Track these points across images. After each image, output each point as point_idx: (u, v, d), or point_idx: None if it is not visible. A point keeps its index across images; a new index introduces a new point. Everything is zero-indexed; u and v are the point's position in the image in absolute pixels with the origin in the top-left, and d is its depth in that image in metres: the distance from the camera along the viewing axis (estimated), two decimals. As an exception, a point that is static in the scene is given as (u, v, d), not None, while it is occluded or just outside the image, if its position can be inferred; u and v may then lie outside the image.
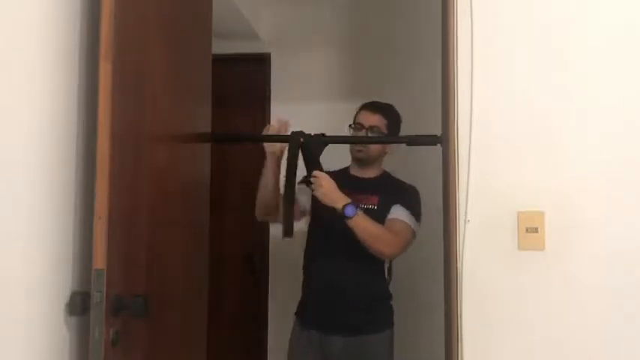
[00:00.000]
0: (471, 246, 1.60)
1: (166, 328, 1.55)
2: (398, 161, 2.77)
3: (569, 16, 1.63)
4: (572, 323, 1.57)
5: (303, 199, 2.22)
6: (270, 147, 2.11)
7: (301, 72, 3.08)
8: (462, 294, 1.59)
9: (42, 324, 1.25)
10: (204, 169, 1.89)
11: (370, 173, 2.27)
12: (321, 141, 2.10)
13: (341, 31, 3.12)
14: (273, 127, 2.10)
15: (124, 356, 1.28)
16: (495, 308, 1.60)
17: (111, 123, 1.25)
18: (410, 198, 2.21)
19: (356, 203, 2.03)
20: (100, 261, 1.22)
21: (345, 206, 2.00)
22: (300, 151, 2.06)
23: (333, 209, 2.02)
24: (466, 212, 1.60)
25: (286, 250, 2.46)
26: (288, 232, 2.04)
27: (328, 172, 2.08)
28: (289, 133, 2.08)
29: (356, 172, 2.29)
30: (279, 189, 2.14)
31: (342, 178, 2.15)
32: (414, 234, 2.15)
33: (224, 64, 2.49)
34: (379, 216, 2.12)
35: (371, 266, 2.18)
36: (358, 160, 2.25)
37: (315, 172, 2.02)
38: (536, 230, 1.59)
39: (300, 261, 2.30)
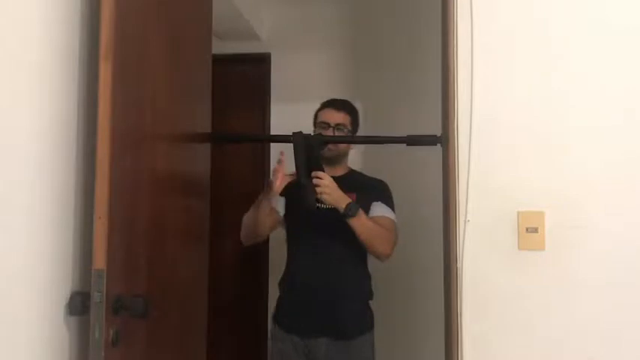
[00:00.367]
0: (471, 246, 1.60)
1: (166, 328, 1.55)
2: (398, 161, 2.78)
3: (569, 16, 1.63)
4: (572, 323, 1.57)
5: (279, 209, 2.19)
6: (276, 186, 2.04)
7: (301, 72, 3.09)
8: (462, 294, 1.59)
9: (42, 324, 1.25)
10: (204, 169, 1.89)
11: (339, 171, 2.24)
12: (321, 141, 2.10)
13: (341, 31, 3.12)
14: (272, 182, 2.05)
15: (124, 356, 1.28)
16: (495, 308, 1.59)
17: (111, 123, 1.25)
18: (386, 194, 2.22)
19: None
20: (100, 261, 1.22)
21: (348, 205, 1.99)
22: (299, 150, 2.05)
23: (332, 209, 2.02)
24: (466, 212, 1.60)
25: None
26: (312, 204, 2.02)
27: (291, 173, 2.08)
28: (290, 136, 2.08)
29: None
30: (271, 216, 2.14)
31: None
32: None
33: (224, 64, 2.49)
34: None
35: (357, 268, 2.17)
36: (328, 159, 2.19)
37: (318, 173, 2.00)
38: (536, 230, 1.59)
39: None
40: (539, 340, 1.57)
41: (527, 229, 1.59)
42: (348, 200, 2.00)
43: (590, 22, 1.62)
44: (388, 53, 3.03)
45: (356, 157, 2.96)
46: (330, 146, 2.18)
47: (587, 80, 1.61)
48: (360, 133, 2.95)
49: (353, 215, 2.00)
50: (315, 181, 1.99)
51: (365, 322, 2.18)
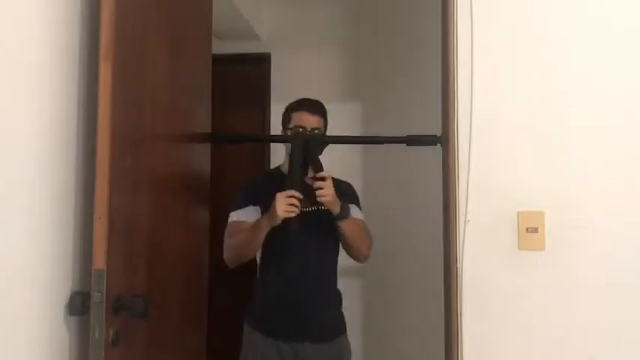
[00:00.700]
0: (470, 246, 1.60)
1: (166, 328, 1.55)
2: (398, 161, 2.78)
3: (569, 16, 1.63)
4: (572, 323, 1.57)
5: (254, 219, 2.07)
6: (283, 213, 1.90)
7: (301, 72, 3.09)
8: (462, 294, 1.59)
9: (42, 324, 1.25)
10: (204, 169, 1.89)
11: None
12: (321, 141, 2.10)
13: (341, 31, 3.12)
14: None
15: (124, 356, 1.28)
16: (495, 308, 1.59)
17: (111, 123, 1.25)
18: (355, 195, 2.20)
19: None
20: (100, 261, 1.22)
21: (342, 207, 1.97)
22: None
23: (310, 212, 1.98)
24: (466, 212, 1.60)
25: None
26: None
27: (260, 178, 2.02)
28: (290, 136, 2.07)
29: None
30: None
31: (278, 178, 2.06)
32: None
33: (224, 64, 2.49)
34: (329, 216, 2.03)
35: (332, 271, 2.15)
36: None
37: (323, 175, 1.95)
38: (536, 230, 1.59)
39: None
40: (539, 340, 1.57)
41: (527, 229, 1.59)
42: (339, 202, 1.97)
43: (590, 22, 1.62)
44: (388, 53, 3.03)
45: (356, 158, 2.97)
46: None
47: (587, 80, 1.61)
48: (360, 133, 2.96)
49: (347, 217, 1.99)
50: (318, 183, 1.93)
51: (343, 324, 2.16)
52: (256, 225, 1.98)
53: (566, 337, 1.57)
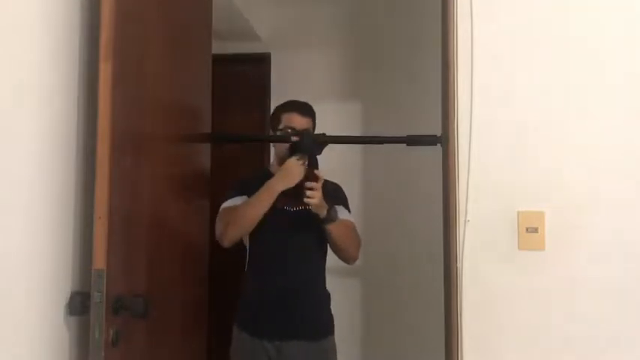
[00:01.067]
0: (470, 246, 1.60)
1: (166, 328, 1.55)
2: (398, 161, 2.78)
3: (569, 16, 1.63)
4: (572, 323, 1.57)
5: None
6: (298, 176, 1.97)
7: (301, 72, 3.09)
8: (462, 294, 1.59)
9: (42, 324, 1.25)
10: (205, 169, 1.89)
11: None
12: (321, 141, 2.10)
13: (341, 31, 3.12)
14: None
15: (124, 356, 1.28)
16: (495, 308, 1.59)
17: (111, 123, 1.25)
18: (343, 197, 2.20)
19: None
20: (100, 261, 1.22)
21: (329, 211, 1.97)
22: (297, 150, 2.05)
23: (298, 212, 1.99)
24: (466, 212, 1.60)
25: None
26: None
27: (252, 175, 2.02)
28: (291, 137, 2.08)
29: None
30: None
31: (265, 179, 2.06)
32: None
33: (224, 64, 2.49)
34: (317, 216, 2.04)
35: (321, 270, 2.15)
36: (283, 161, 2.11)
37: (318, 175, 1.96)
38: (536, 230, 1.59)
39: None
40: (539, 340, 1.57)
41: (527, 229, 1.59)
42: (327, 206, 1.97)
43: (591, 22, 1.62)
44: (388, 53, 3.03)
45: (356, 158, 2.97)
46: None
47: (588, 79, 1.61)
48: (360, 133, 2.96)
49: (334, 220, 1.99)
50: (309, 184, 1.93)
51: (331, 324, 2.15)
52: (264, 188, 1.98)
53: (566, 337, 1.57)
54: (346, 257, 2.10)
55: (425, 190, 2.26)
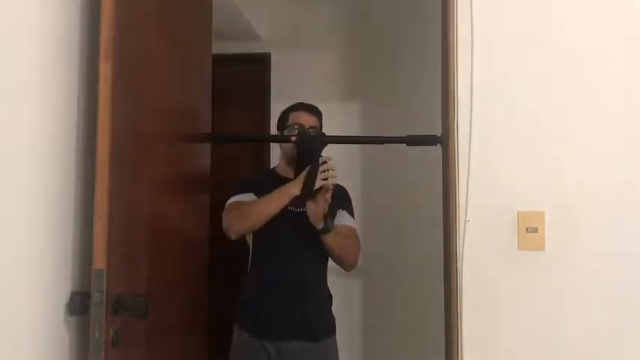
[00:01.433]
0: (470, 246, 1.60)
1: (166, 328, 1.55)
2: (398, 161, 2.78)
3: (570, 16, 1.63)
4: (572, 323, 1.57)
5: None
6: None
7: (301, 72, 3.09)
8: (462, 294, 1.59)
9: (42, 324, 1.25)
10: (205, 169, 1.89)
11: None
12: (321, 141, 2.10)
13: (341, 31, 3.12)
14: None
15: (124, 356, 1.28)
16: (495, 308, 1.59)
17: (111, 123, 1.25)
18: (347, 200, 2.19)
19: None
20: (100, 261, 1.22)
21: (326, 222, 1.97)
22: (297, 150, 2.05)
23: (302, 212, 1.99)
24: (466, 212, 1.60)
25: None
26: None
27: (255, 175, 2.03)
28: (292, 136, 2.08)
29: (286, 172, 2.16)
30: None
31: (271, 180, 2.08)
32: None
33: (224, 64, 2.49)
34: (325, 217, 2.02)
35: (322, 271, 2.15)
36: (292, 160, 2.12)
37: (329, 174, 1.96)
38: (536, 230, 1.59)
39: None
40: (539, 340, 1.57)
41: (527, 229, 1.59)
42: (322, 219, 1.97)
43: (591, 24, 1.62)
44: (388, 53, 3.03)
45: (356, 158, 2.97)
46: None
47: (588, 79, 1.61)
48: (360, 133, 2.96)
49: (330, 231, 1.99)
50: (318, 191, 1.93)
51: (332, 324, 2.15)
52: (278, 190, 1.99)
53: (566, 337, 1.57)
54: (344, 265, 2.10)
55: (425, 190, 2.26)
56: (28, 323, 1.22)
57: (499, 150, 1.62)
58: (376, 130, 2.40)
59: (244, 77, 3.23)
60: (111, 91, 1.25)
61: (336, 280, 2.22)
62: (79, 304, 1.29)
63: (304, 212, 2.01)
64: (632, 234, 1.57)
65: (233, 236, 2.02)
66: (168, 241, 1.59)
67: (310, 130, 2.12)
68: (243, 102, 3.20)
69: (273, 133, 3.04)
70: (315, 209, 1.94)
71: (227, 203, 2.09)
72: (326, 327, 2.13)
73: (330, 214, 2.01)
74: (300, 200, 1.98)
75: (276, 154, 2.99)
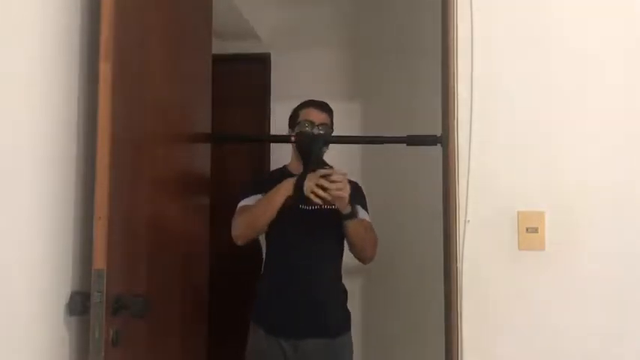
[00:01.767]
0: (470, 246, 1.60)
1: (166, 328, 1.55)
2: (398, 161, 2.78)
3: (571, 16, 1.63)
4: (572, 323, 1.57)
5: None
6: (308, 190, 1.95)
7: (301, 72, 3.08)
8: (462, 294, 1.59)
9: (42, 324, 1.25)
10: (204, 169, 1.89)
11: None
12: (321, 140, 2.10)
13: (341, 31, 3.12)
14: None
15: (124, 356, 1.28)
16: (495, 308, 1.59)
17: (111, 123, 1.25)
18: (362, 196, 2.21)
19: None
20: (100, 261, 1.22)
21: (352, 207, 1.98)
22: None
23: (316, 210, 1.99)
24: (466, 212, 1.60)
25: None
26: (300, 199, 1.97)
27: (271, 171, 2.05)
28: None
29: (297, 169, 2.16)
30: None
31: (282, 177, 2.08)
32: None
33: (224, 64, 2.49)
34: (335, 215, 2.05)
35: (337, 268, 2.16)
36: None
37: (339, 177, 1.94)
38: (536, 230, 1.59)
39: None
40: (539, 340, 1.57)
41: (527, 229, 1.59)
42: (349, 203, 1.98)
43: (591, 22, 1.62)
44: (388, 53, 3.03)
45: (356, 158, 2.97)
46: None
47: (588, 80, 1.61)
48: (360, 133, 2.96)
49: (355, 216, 2.00)
50: (336, 177, 1.92)
51: (347, 321, 2.17)
52: (272, 191, 2.01)
53: (566, 337, 1.57)
54: (363, 256, 2.11)
55: (425, 190, 2.26)
56: (28, 323, 1.23)
57: (499, 150, 1.62)
58: (376, 130, 2.40)
59: (244, 77, 3.22)
60: (111, 91, 1.26)
61: (335, 280, 2.21)
62: (79, 304, 1.29)
63: (316, 209, 2.01)
64: (632, 234, 1.57)
65: (240, 243, 2.05)
66: (168, 241, 1.59)
67: (321, 127, 2.13)
68: (243, 102, 3.19)
69: (273, 133, 3.06)
70: (341, 194, 1.93)
71: (237, 206, 2.11)
72: (340, 324, 2.14)
73: (338, 218, 2.02)
74: (293, 201, 1.98)
75: (276, 154, 3.00)
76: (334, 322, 2.12)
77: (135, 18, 1.38)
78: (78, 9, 1.37)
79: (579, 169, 1.60)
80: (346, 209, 1.98)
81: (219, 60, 2.04)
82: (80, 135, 1.36)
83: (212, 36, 1.93)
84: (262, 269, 2.19)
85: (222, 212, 2.09)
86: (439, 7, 1.77)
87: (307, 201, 1.97)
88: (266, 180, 2.14)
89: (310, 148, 2.06)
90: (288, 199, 1.99)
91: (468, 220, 1.60)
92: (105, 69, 1.26)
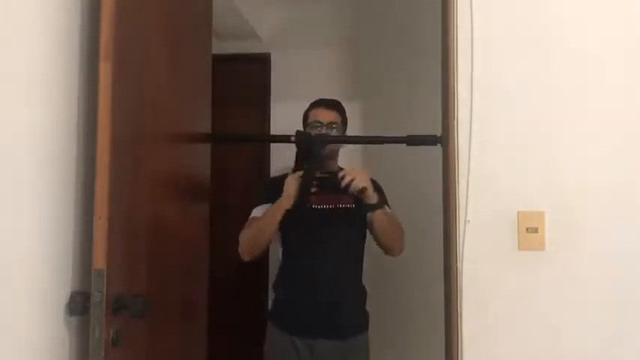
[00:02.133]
0: (470, 246, 1.60)
1: (166, 328, 1.55)
2: (398, 161, 2.78)
3: (571, 15, 1.63)
4: (572, 323, 1.57)
5: None
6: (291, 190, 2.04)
7: (301, 72, 3.08)
8: (462, 294, 1.59)
9: (42, 324, 1.25)
10: (204, 169, 1.89)
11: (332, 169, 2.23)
12: (320, 141, 2.10)
13: (341, 31, 3.12)
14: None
15: (124, 356, 1.28)
16: (495, 308, 1.59)
17: (111, 123, 1.25)
18: (382, 193, 2.22)
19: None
20: (100, 261, 1.22)
21: (380, 196, 2.02)
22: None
23: (330, 210, 2.01)
24: (466, 212, 1.60)
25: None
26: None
27: (281, 175, 2.08)
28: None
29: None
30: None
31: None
32: None
33: (224, 64, 2.49)
34: (357, 214, 2.11)
35: (356, 268, 2.17)
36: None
37: (345, 171, 2.03)
38: (536, 230, 1.59)
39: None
40: (539, 339, 1.57)
41: (527, 229, 1.59)
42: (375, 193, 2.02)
43: (591, 22, 1.62)
44: (388, 53, 3.03)
45: (356, 158, 2.97)
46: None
47: (588, 80, 1.61)
48: (360, 133, 2.96)
49: (382, 206, 2.05)
50: (344, 173, 1.99)
51: (364, 322, 2.18)
52: (272, 208, 2.05)
53: (566, 337, 1.57)
54: (392, 247, 2.14)
55: (425, 190, 2.25)
56: (28, 323, 1.23)
57: (499, 150, 1.62)
58: (376, 130, 2.40)
59: (244, 77, 3.22)
60: (111, 91, 1.26)
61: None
62: (79, 304, 1.29)
63: (332, 209, 2.02)
64: (632, 234, 1.57)
65: (246, 259, 2.09)
66: (169, 240, 1.59)
67: (333, 126, 2.16)
68: (243, 102, 3.19)
69: (273, 133, 3.06)
70: (361, 178, 1.99)
71: (250, 217, 2.14)
72: (356, 325, 2.15)
73: (357, 218, 2.07)
74: (296, 207, 1.99)
75: (276, 154, 3.00)
76: (349, 322, 2.13)
77: (135, 18, 1.38)
78: (78, 9, 1.37)
79: (579, 169, 1.60)
80: (373, 199, 2.02)
81: (219, 60, 2.04)
82: (80, 135, 1.36)
83: (212, 36, 1.93)
84: (278, 269, 2.22)
85: (221, 211, 2.09)
86: (439, 7, 1.77)
87: (324, 201, 1.99)
88: (276, 187, 2.14)
89: (310, 149, 2.06)
90: (289, 211, 2.01)
91: (468, 220, 1.60)
92: (105, 69, 1.26)
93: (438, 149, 1.86)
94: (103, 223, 1.22)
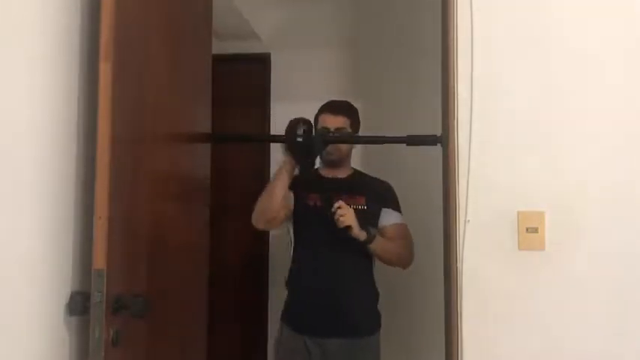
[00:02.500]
0: (470, 246, 1.60)
1: (166, 328, 1.55)
2: (398, 161, 2.78)
3: (571, 15, 1.63)
4: (572, 323, 1.57)
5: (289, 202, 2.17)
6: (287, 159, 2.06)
7: (301, 72, 3.08)
8: (462, 294, 1.59)
9: (42, 324, 1.25)
10: (204, 169, 1.89)
11: (342, 173, 2.28)
12: (320, 141, 2.11)
13: (341, 31, 3.12)
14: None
15: (124, 356, 1.28)
16: (495, 308, 1.59)
17: (111, 123, 1.25)
18: (393, 197, 2.25)
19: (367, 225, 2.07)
20: (100, 261, 1.22)
21: (368, 233, 2.04)
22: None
23: (348, 235, 2.04)
24: (466, 212, 1.60)
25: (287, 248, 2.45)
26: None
27: (295, 177, 2.10)
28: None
29: (327, 173, 2.26)
30: (285, 199, 2.11)
31: (312, 177, 2.14)
32: None
33: (224, 64, 2.49)
34: (369, 216, 2.14)
35: (366, 267, 2.19)
36: (331, 162, 2.24)
37: (340, 203, 2.04)
38: (536, 230, 1.59)
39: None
40: (539, 339, 1.57)
41: (527, 229, 1.59)
42: (362, 230, 2.04)
43: (591, 23, 1.62)
44: (388, 53, 3.03)
45: (356, 158, 2.97)
46: (331, 150, 2.18)
47: (588, 80, 1.61)
48: (360, 133, 2.96)
49: (372, 241, 2.06)
50: (339, 211, 2.02)
51: (375, 322, 2.19)
52: (278, 171, 2.08)
53: (566, 337, 1.57)
54: (398, 265, 2.18)
55: (425, 190, 2.26)
56: (28, 323, 1.23)
57: (499, 150, 1.62)
58: (376, 130, 2.39)
59: (244, 77, 3.23)
60: (111, 91, 1.25)
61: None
62: (79, 304, 1.29)
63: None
64: (632, 234, 1.57)
65: (260, 227, 2.14)
66: (169, 240, 1.59)
67: (340, 131, 2.17)
68: (243, 102, 3.20)
69: (273, 133, 3.06)
70: (343, 220, 2.00)
71: None
72: (366, 325, 2.16)
73: (370, 220, 2.09)
74: (303, 171, 2.06)
75: (276, 154, 3.00)
76: (358, 322, 2.14)
77: (135, 18, 1.38)
78: (78, 9, 1.37)
79: (579, 169, 1.60)
80: (361, 236, 2.03)
81: (219, 60, 2.04)
82: (80, 135, 1.36)
83: (212, 36, 1.93)
84: (289, 270, 2.23)
85: (221, 211, 2.09)
86: (439, 7, 1.77)
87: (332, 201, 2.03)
88: (297, 178, 2.15)
89: (310, 149, 2.06)
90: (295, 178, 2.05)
91: (468, 220, 1.60)
92: (105, 69, 1.26)
93: (438, 149, 1.86)
94: (103, 223, 1.22)
